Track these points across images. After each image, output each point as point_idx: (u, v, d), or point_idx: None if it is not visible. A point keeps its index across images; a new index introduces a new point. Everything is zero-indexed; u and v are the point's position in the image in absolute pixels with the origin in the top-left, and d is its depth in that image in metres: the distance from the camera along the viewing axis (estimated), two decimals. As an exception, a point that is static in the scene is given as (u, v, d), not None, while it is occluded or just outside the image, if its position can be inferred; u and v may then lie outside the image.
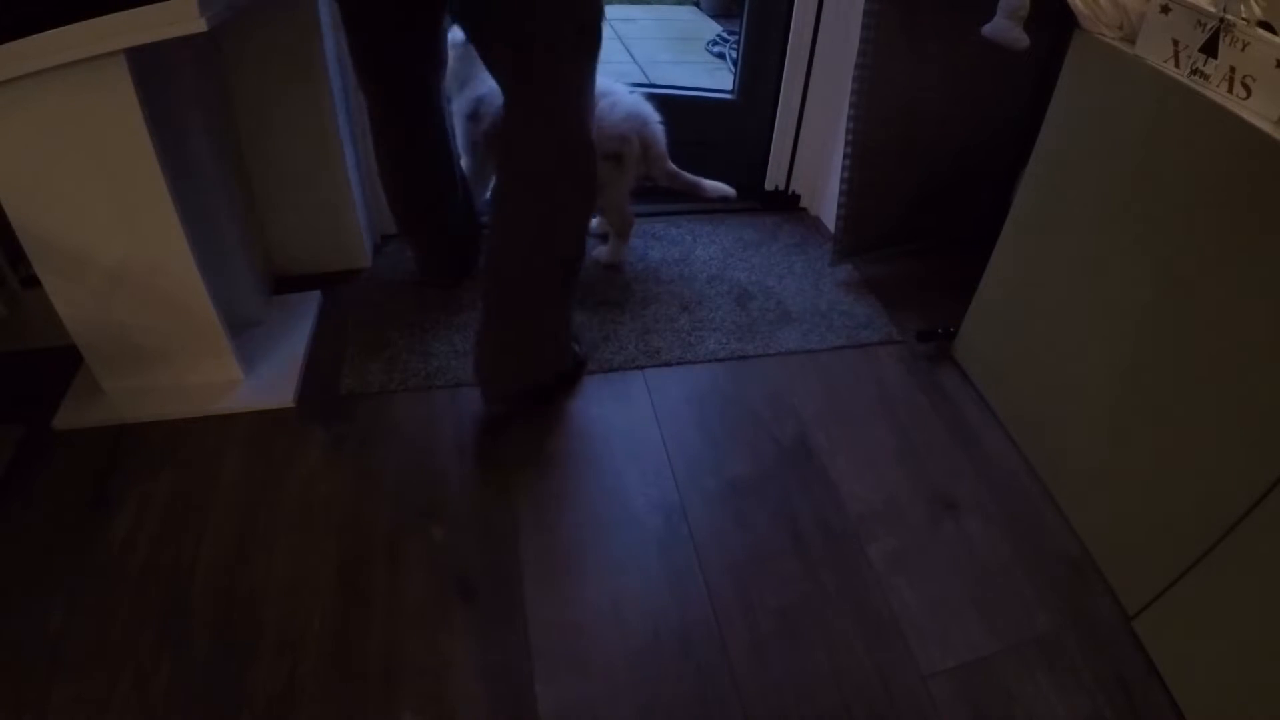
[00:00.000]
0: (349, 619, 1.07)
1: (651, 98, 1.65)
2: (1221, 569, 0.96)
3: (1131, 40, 1.07)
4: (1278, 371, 0.89)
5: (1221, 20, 0.93)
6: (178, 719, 0.95)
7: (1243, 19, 0.92)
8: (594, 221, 1.80)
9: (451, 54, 1.52)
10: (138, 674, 0.99)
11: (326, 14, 1.43)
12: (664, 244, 1.87)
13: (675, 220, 1.96)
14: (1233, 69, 0.93)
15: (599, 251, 1.78)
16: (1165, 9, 1.00)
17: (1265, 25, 0.92)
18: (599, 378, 1.49)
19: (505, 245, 1.29)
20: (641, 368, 1.51)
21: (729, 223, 1.97)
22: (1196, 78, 0.98)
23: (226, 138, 1.42)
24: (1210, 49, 0.96)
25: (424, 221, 1.60)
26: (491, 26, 1.23)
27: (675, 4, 3.72)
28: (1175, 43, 1.00)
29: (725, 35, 3.13)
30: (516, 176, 1.25)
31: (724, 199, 1.78)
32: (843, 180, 1.65)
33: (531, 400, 1.40)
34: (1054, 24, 1.22)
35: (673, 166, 1.73)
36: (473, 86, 1.61)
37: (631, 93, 1.65)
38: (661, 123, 1.65)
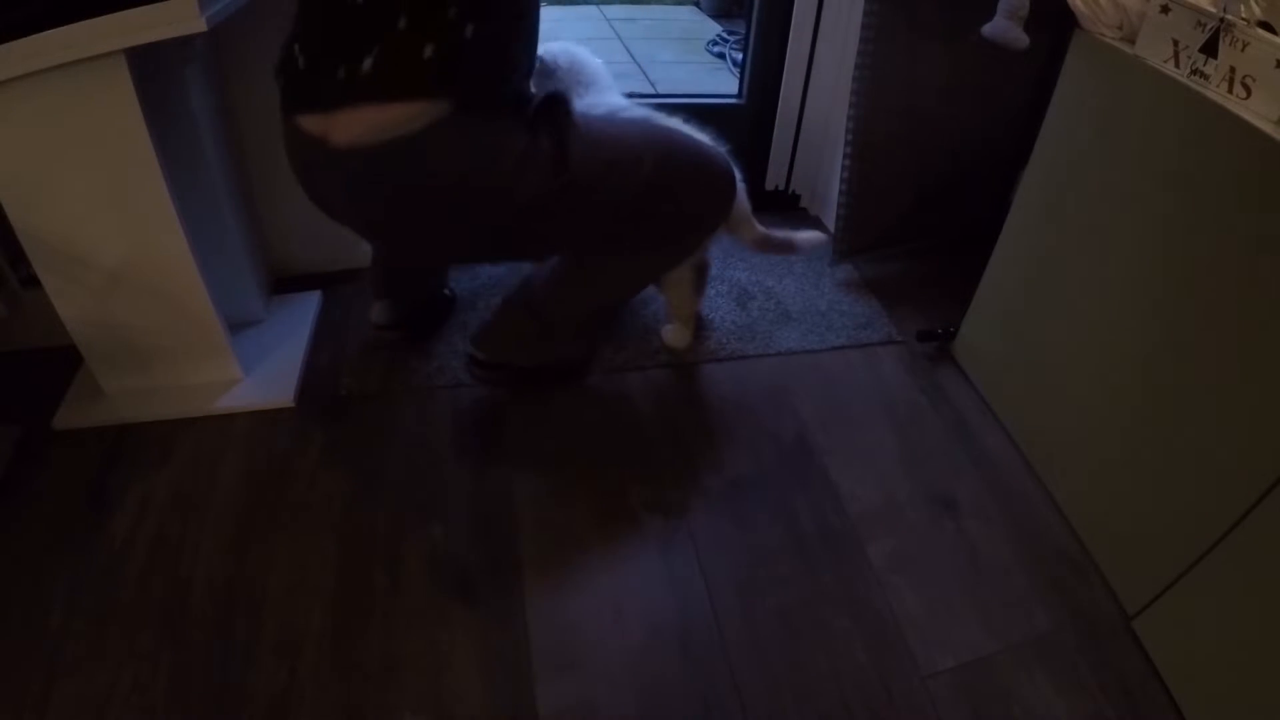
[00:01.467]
0: (349, 618, 1.07)
1: (661, 107, 1.47)
2: (1221, 569, 0.96)
3: (1131, 40, 1.07)
4: (1277, 371, 0.89)
5: (1221, 20, 0.93)
6: (178, 719, 0.95)
7: (1243, 19, 0.92)
8: None
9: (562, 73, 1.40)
10: (138, 674, 0.99)
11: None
12: (664, 244, 1.87)
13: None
14: (1233, 69, 0.93)
15: (665, 331, 1.57)
16: (1165, 9, 1.00)
17: (1265, 25, 0.92)
18: (599, 378, 1.49)
19: (550, 280, 1.31)
20: (642, 368, 1.51)
21: (729, 223, 1.97)
22: (1196, 78, 0.98)
23: (227, 137, 1.42)
24: (1210, 49, 0.96)
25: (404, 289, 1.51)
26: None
27: (675, 4, 3.72)
28: (1175, 43, 1.00)
29: (725, 35, 3.13)
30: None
31: (818, 247, 1.56)
32: (843, 180, 1.65)
33: (518, 381, 1.41)
34: (1054, 24, 1.22)
35: (762, 230, 1.46)
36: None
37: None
38: (743, 181, 1.39)
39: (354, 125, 0.93)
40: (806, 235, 1.53)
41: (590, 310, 1.35)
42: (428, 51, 0.90)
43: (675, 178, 1.20)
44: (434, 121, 0.93)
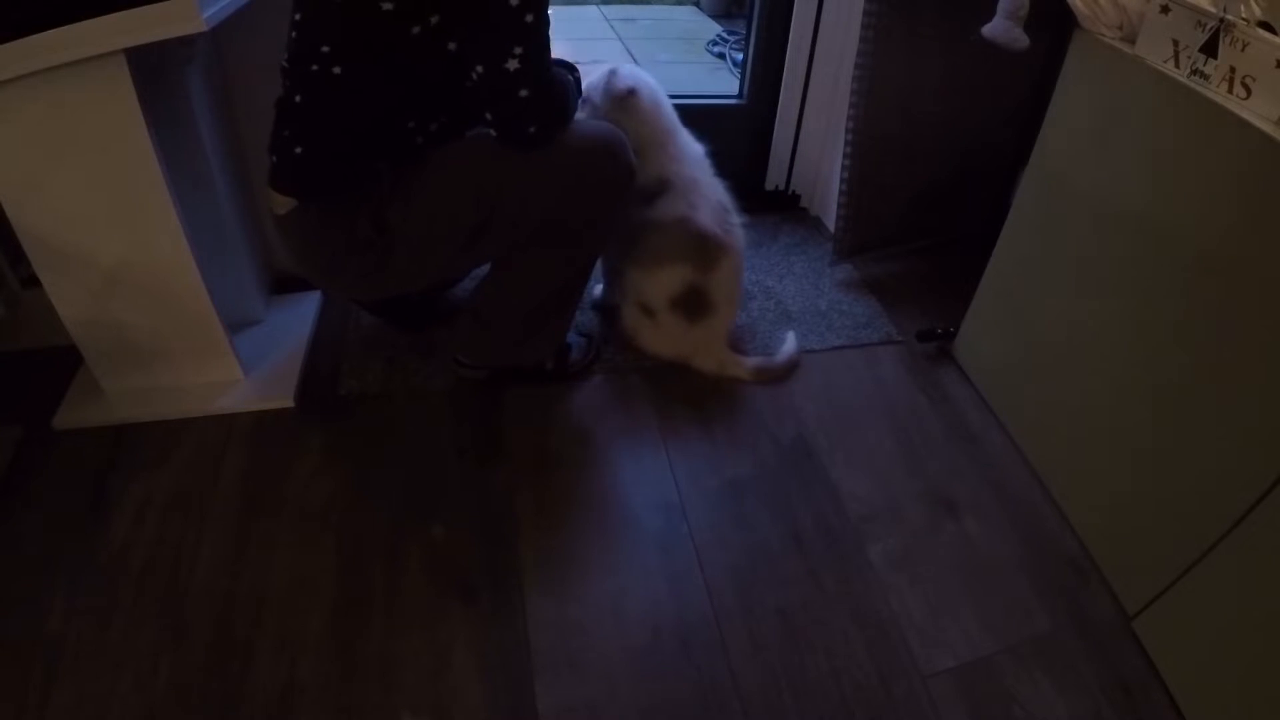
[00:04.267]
0: (349, 619, 1.07)
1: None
2: (1221, 569, 0.96)
3: (1131, 40, 1.07)
4: (1277, 371, 0.89)
5: (1221, 20, 0.93)
6: (178, 719, 0.95)
7: (1243, 19, 0.92)
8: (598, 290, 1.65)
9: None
10: (138, 674, 0.99)
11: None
12: (664, 244, 1.87)
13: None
14: (1233, 69, 0.93)
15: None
16: (1165, 9, 1.00)
17: (1265, 25, 0.92)
18: (599, 378, 1.49)
19: (486, 284, 1.34)
20: (642, 367, 1.51)
21: (729, 223, 1.97)
22: (1196, 78, 0.98)
23: (227, 137, 1.42)
24: (1210, 49, 0.96)
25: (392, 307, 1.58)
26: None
27: (675, 4, 3.72)
28: (1175, 43, 1.00)
29: (725, 35, 3.12)
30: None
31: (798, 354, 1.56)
32: (842, 180, 1.65)
33: (508, 377, 1.44)
34: (1054, 24, 1.22)
35: (748, 363, 1.50)
36: (653, 165, 1.38)
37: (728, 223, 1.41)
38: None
39: (271, 199, 1.16)
40: (784, 354, 1.53)
41: (535, 307, 1.32)
42: (272, 159, 1.13)
43: (528, 188, 1.15)
44: (289, 211, 1.14)
